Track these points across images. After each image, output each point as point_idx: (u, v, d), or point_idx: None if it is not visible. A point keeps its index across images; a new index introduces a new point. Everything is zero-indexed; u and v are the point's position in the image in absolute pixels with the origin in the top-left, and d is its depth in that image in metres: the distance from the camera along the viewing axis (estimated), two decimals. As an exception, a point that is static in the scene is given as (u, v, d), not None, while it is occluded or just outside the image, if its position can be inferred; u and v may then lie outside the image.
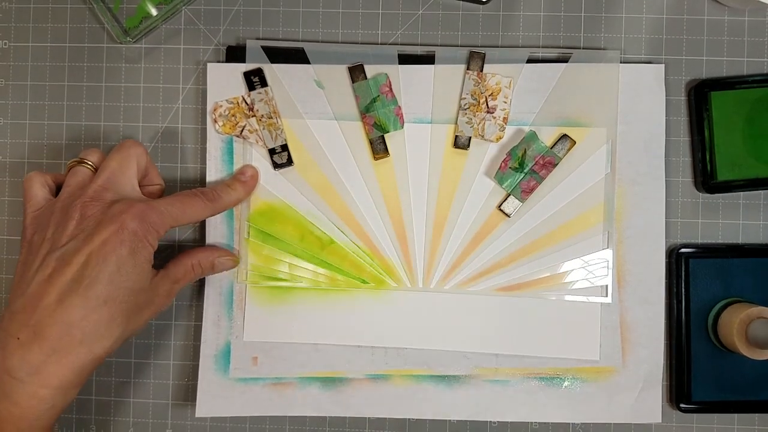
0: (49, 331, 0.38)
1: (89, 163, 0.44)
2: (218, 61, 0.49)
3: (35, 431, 0.39)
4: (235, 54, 0.48)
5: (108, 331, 0.39)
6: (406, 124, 0.47)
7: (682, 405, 0.46)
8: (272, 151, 0.47)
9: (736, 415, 0.47)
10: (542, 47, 0.48)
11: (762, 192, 0.48)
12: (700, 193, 0.48)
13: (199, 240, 0.48)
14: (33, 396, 0.38)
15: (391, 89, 0.47)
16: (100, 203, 0.41)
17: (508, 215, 0.47)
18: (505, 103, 0.47)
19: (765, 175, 0.46)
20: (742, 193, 0.47)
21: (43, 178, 0.44)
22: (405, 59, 0.48)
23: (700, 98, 0.46)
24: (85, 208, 0.41)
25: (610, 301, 0.47)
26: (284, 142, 0.47)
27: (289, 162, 0.47)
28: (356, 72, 0.47)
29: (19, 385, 0.38)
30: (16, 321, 0.39)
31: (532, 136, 0.47)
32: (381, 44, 0.48)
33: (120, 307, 0.40)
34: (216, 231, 0.48)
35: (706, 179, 0.47)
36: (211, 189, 0.45)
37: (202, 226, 0.48)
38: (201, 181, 0.48)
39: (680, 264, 0.47)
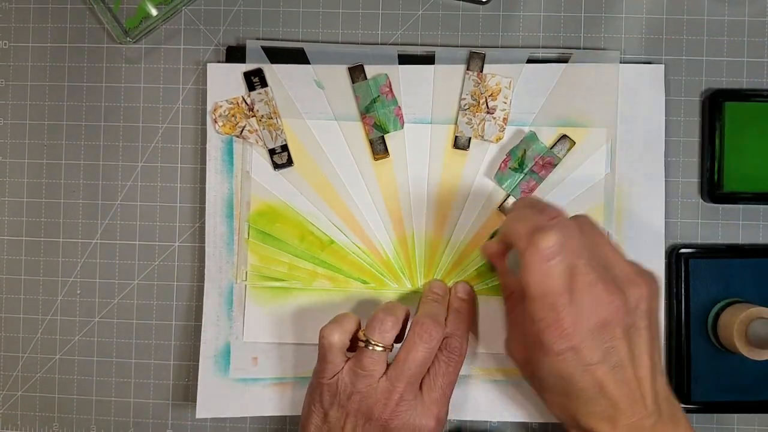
0: None
1: (380, 345, 0.41)
2: (218, 62, 0.49)
3: None
4: (235, 54, 0.48)
5: None
6: (406, 125, 0.47)
7: (681, 405, 0.46)
8: (272, 152, 0.47)
9: (735, 415, 0.47)
10: (542, 47, 0.48)
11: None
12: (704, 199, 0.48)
13: (198, 241, 0.49)
14: None
15: (391, 89, 0.47)
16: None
17: (508, 215, 0.47)
18: (505, 103, 0.47)
19: (773, 190, 0.47)
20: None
21: (342, 341, 0.42)
22: (405, 59, 0.48)
23: (714, 107, 0.46)
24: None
25: (610, 302, 0.47)
26: (284, 143, 0.47)
27: (289, 162, 0.48)
28: (356, 72, 0.47)
29: None
30: None
31: (532, 137, 0.47)
32: (381, 44, 0.48)
33: None
34: (216, 231, 0.48)
35: (712, 189, 0.47)
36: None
37: (201, 227, 0.48)
38: (201, 182, 0.48)
39: (680, 264, 0.47)
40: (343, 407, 0.41)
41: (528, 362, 0.40)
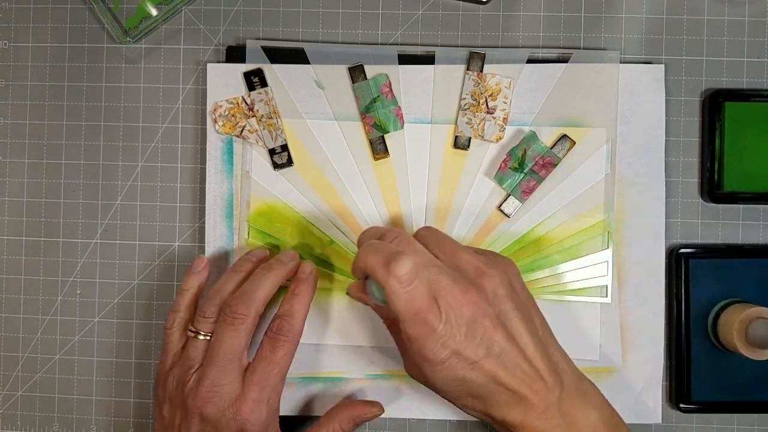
0: None
1: (202, 334, 0.42)
2: (218, 62, 0.49)
3: None
4: (235, 54, 0.48)
5: None
6: (406, 125, 0.47)
7: (682, 405, 0.46)
8: (272, 152, 0.47)
9: (735, 415, 0.47)
10: (542, 47, 0.48)
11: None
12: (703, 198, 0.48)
13: (198, 241, 0.49)
14: None
15: (391, 89, 0.47)
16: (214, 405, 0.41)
17: (507, 215, 0.47)
18: (505, 103, 0.47)
19: (773, 190, 0.47)
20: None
21: (182, 329, 0.44)
22: (405, 59, 0.48)
23: (714, 107, 0.46)
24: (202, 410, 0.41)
25: (610, 302, 0.47)
26: (284, 143, 0.47)
27: (289, 162, 0.48)
28: (356, 72, 0.47)
29: None
30: None
31: (532, 137, 0.47)
32: (381, 44, 0.48)
33: None
34: (216, 232, 0.48)
35: (713, 189, 0.47)
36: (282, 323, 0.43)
37: (201, 226, 0.48)
38: (201, 182, 0.48)
39: (680, 264, 0.47)
40: (172, 400, 0.42)
41: (427, 379, 0.39)
